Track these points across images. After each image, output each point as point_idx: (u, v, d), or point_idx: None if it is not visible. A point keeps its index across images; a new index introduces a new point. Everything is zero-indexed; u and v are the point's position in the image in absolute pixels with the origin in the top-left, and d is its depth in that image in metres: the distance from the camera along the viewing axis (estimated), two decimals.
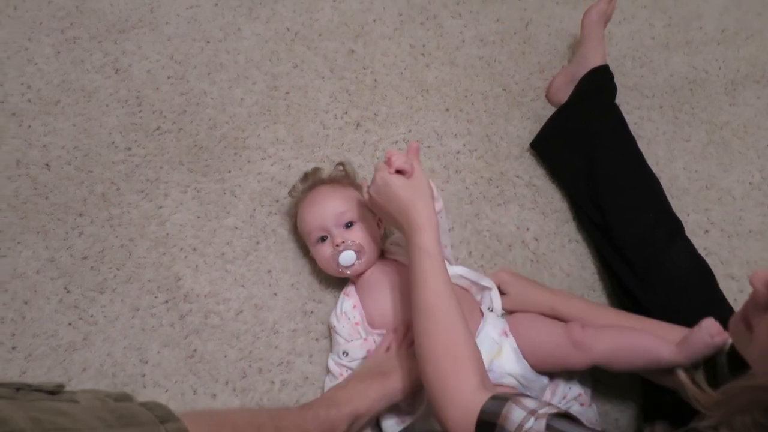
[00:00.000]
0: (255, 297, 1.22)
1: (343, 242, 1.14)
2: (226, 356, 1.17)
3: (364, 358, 1.12)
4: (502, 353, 1.08)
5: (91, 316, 1.17)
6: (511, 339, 1.11)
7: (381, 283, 1.16)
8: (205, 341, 1.17)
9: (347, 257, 1.13)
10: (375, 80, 1.46)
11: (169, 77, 1.40)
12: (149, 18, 1.46)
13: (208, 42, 1.45)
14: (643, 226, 1.24)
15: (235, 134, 1.36)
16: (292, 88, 1.43)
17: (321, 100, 1.43)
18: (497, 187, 1.40)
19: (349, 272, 1.15)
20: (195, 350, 1.16)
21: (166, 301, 1.20)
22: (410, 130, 1.42)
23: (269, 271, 1.25)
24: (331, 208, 1.16)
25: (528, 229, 1.36)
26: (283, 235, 1.29)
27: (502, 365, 1.07)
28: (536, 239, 1.36)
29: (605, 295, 1.32)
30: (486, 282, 1.17)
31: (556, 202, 1.40)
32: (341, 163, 1.26)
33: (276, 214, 1.30)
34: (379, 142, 1.40)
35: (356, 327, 1.14)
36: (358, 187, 1.24)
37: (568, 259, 1.35)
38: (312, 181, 1.23)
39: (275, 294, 1.23)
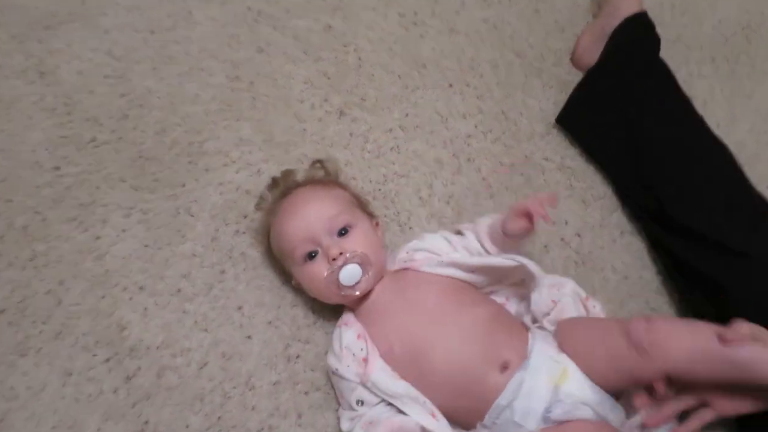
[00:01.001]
0: (223, 343, 0.95)
1: (342, 254, 0.86)
2: (187, 426, 0.89)
3: (391, 397, 0.84)
4: (569, 375, 0.81)
5: (10, 388, 0.90)
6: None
7: (397, 301, 0.89)
8: (159, 408, 0.90)
9: (351, 273, 0.86)
10: (359, 59, 1.18)
11: (106, 77, 1.13)
12: (81, 10, 1.20)
13: (153, 32, 1.19)
14: (712, 211, 0.95)
15: (190, 138, 1.09)
16: (257, 77, 1.16)
17: (294, 88, 1.15)
18: (522, 174, 1.11)
19: (357, 293, 0.88)
20: (146, 422, 0.89)
21: (108, 360, 0.92)
22: (407, 114, 1.15)
23: (239, 308, 0.97)
24: (318, 212, 0.89)
25: (566, 222, 1.08)
26: (256, 259, 1.01)
27: (573, 392, 0.80)
28: (578, 235, 1.07)
29: (675, 301, 1.02)
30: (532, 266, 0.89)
31: (597, 187, 1.11)
32: (319, 161, 0.99)
33: (244, 232, 1.03)
34: (370, 132, 1.13)
35: (364, 364, 0.86)
36: (344, 188, 0.97)
37: (621, 256, 1.06)
38: (285, 186, 0.96)
39: (248, 337, 0.95)
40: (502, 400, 0.82)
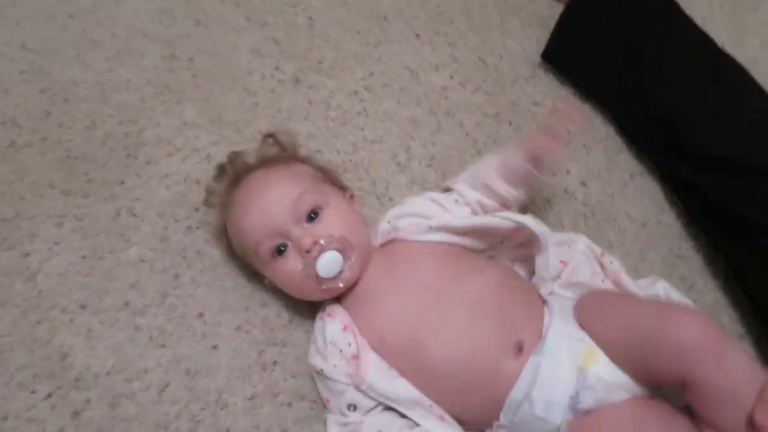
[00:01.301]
0: (185, 358, 0.80)
1: (316, 243, 0.72)
2: None
3: (391, 401, 0.70)
4: (596, 357, 0.67)
5: None
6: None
7: (384, 280, 0.75)
8: None
9: (330, 263, 0.72)
10: (310, 18, 1.04)
11: (21, 72, 0.98)
12: None
13: (72, 16, 1.04)
14: (739, 134, 0.81)
15: (125, 129, 0.95)
16: (197, 53, 1.01)
17: (240, 60, 1.01)
18: (510, 123, 0.97)
19: (341, 285, 0.74)
20: None
21: (49, 395, 0.78)
22: (371, 73, 1.00)
23: (200, 315, 0.83)
24: (278, 197, 0.75)
25: (568, 172, 0.94)
26: (214, 257, 0.86)
27: (604, 376, 0.66)
28: (583, 184, 0.93)
29: (702, 245, 0.88)
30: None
31: (598, 127, 0.97)
32: (271, 135, 0.84)
33: (198, 228, 0.88)
34: (331, 98, 0.98)
35: (354, 361, 0.72)
36: (305, 162, 0.82)
37: (635, 201, 0.92)
38: (234, 172, 0.81)
39: (214, 347, 0.81)
40: (516, 393, 0.68)
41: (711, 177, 0.83)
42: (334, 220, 0.75)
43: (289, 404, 0.78)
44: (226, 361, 0.80)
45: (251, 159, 0.82)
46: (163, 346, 0.81)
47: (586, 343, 0.69)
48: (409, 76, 1.00)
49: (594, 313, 0.71)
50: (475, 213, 0.81)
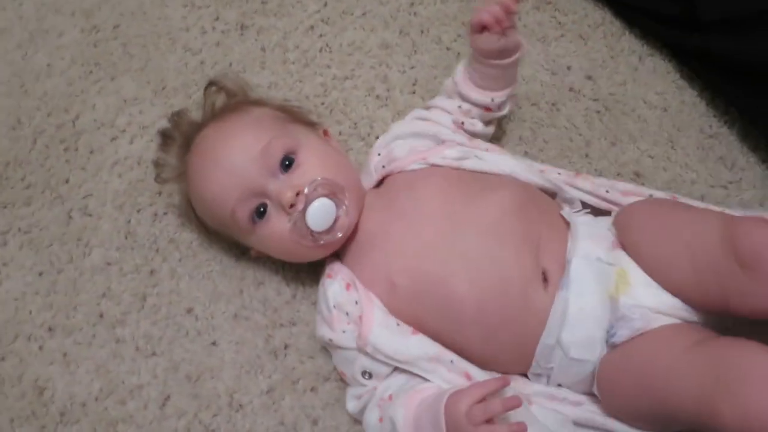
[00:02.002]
0: (183, 363, 0.69)
1: (300, 194, 0.61)
2: None
3: (403, 363, 0.59)
4: (629, 280, 0.57)
5: None
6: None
7: (387, 219, 0.63)
8: None
9: (322, 213, 0.61)
10: None
11: None
12: None
13: None
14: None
15: (56, 120, 0.81)
16: (122, 18, 0.87)
17: (173, 17, 0.87)
18: None
19: (340, 234, 0.62)
20: None
21: None
22: (326, 4, 0.87)
23: (190, 311, 0.71)
24: (241, 151, 0.63)
25: (569, 68, 0.82)
26: (191, 241, 0.74)
27: (640, 301, 0.56)
28: (589, 77, 0.82)
29: (735, 118, 0.78)
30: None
31: (591, 14, 0.86)
32: (213, 83, 0.71)
33: (166, 213, 0.76)
34: (286, 39, 0.85)
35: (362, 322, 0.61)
36: (262, 104, 0.70)
37: (650, 86, 0.81)
38: (182, 134, 0.69)
39: (213, 344, 0.69)
40: (547, 338, 0.58)
41: (725, 40, 0.72)
42: (313, 163, 0.63)
43: (312, 389, 0.67)
44: (230, 357, 0.68)
45: (194, 117, 0.70)
46: (153, 354, 0.69)
47: (617, 265, 0.59)
48: None
49: (641, 224, 0.60)
50: (457, 122, 0.70)
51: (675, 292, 0.57)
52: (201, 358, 0.69)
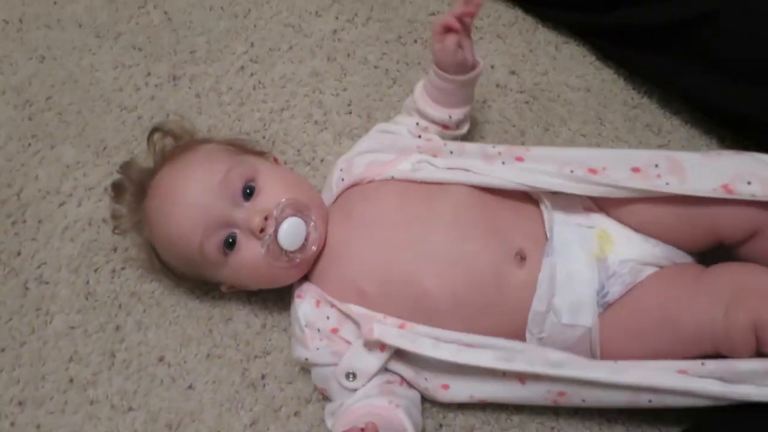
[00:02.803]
0: (162, 413, 0.68)
1: (268, 217, 0.61)
2: None
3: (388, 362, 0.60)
4: (612, 239, 0.60)
5: None
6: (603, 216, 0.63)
7: (347, 229, 0.64)
8: None
9: (293, 231, 0.61)
10: (165, 12, 0.93)
11: None
12: None
13: None
14: None
15: (1, 196, 0.80)
16: (53, 89, 0.88)
17: (104, 79, 0.88)
18: (415, 41, 0.89)
19: (314, 248, 0.63)
20: None
21: None
22: (252, 44, 0.90)
23: (161, 359, 0.70)
24: (201, 183, 0.63)
25: (493, 66, 0.86)
26: (153, 291, 0.74)
27: (627, 256, 0.60)
28: (513, 72, 0.86)
29: (656, 89, 0.82)
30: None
31: (504, 13, 0.91)
32: (157, 129, 0.72)
33: (123, 268, 0.75)
34: (219, 82, 0.87)
35: (335, 336, 0.62)
36: (209, 141, 0.71)
37: (571, 71, 0.86)
38: (134, 182, 0.69)
39: (190, 387, 0.69)
40: (537, 304, 0.59)
41: (630, 12, 0.77)
42: (274, 186, 0.64)
43: (296, 414, 0.66)
44: (208, 397, 0.68)
45: (148, 163, 0.70)
46: (130, 409, 0.68)
47: (597, 227, 0.61)
48: (292, 32, 0.90)
49: None
50: (415, 136, 0.72)
51: (664, 237, 0.60)
52: (179, 404, 0.68)
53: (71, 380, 0.69)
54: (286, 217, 0.61)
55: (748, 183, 0.57)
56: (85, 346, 0.71)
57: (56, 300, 0.74)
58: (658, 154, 0.61)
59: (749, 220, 0.58)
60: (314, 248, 0.63)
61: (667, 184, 0.58)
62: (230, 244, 0.63)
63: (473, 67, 0.69)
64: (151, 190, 0.66)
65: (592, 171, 0.60)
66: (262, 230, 0.61)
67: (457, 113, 0.71)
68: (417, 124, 0.71)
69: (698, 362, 0.55)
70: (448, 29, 0.66)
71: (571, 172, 0.61)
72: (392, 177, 0.66)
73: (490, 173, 0.63)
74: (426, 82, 0.71)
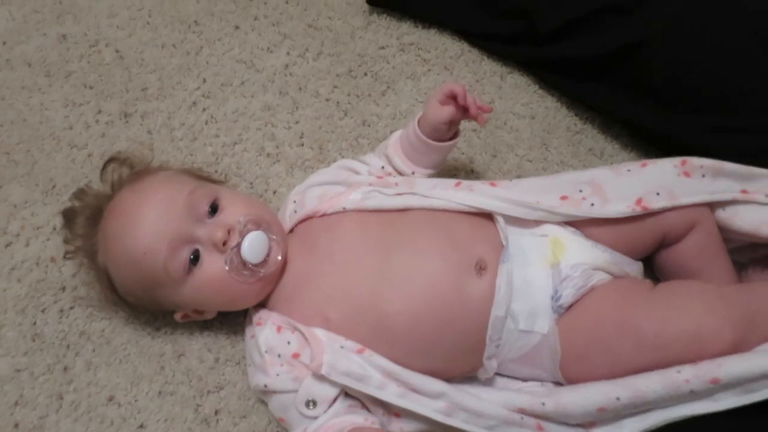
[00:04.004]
0: None
1: (231, 231, 0.62)
2: None
3: (359, 379, 0.60)
4: (564, 244, 0.63)
5: None
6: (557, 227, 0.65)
7: (310, 259, 0.65)
8: None
9: (256, 244, 0.62)
10: (117, 51, 0.93)
11: None
12: None
13: None
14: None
15: None
16: (1, 129, 0.87)
17: (54, 118, 0.88)
18: (366, 74, 0.91)
19: (279, 257, 0.64)
20: None
21: None
22: (204, 80, 0.91)
23: (111, 399, 0.69)
24: (166, 202, 0.63)
25: None
26: (103, 330, 0.73)
27: (578, 260, 0.62)
28: None
29: (597, 115, 0.85)
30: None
31: (450, 47, 0.94)
32: (113, 159, 0.72)
33: (72, 307, 0.74)
34: (171, 118, 0.88)
35: (296, 361, 0.61)
36: (168, 168, 0.72)
37: (516, 99, 0.89)
38: (89, 207, 0.68)
39: (141, 426, 0.67)
40: (497, 309, 0.61)
41: (566, 45, 0.81)
42: (237, 204, 0.65)
43: None
44: None
45: (104, 188, 0.70)
46: None
47: (549, 234, 0.63)
48: (244, 68, 0.92)
49: None
50: (374, 174, 0.73)
51: (614, 244, 0.65)
52: None
53: (16, 425, 0.67)
54: (249, 231, 0.62)
55: (657, 194, 0.63)
56: (32, 389, 0.69)
57: (2, 342, 0.72)
58: (582, 180, 0.66)
59: (690, 217, 0.64)
60: (279, 259, 0.63)
61: (592, 205, 0.64)
62: (194, 258, 0.62)
63: (452, 137, 0.72)
64: (110, 211, 0.66)
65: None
66: (224, 243, 0.61)
67: (422, 172, 0.73)
68: (383, 167, 0.74)
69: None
70: (452, 97, 0.68)
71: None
72: (344, 208, 0.67)
73: (438, 195, 0.65)
74: (403, 134, 0.74)
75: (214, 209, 0.64)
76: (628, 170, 0.66)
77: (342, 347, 0.61)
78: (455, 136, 0.73)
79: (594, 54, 0.77)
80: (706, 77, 0.72)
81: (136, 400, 0.68)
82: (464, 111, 0.69)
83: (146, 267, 0.62)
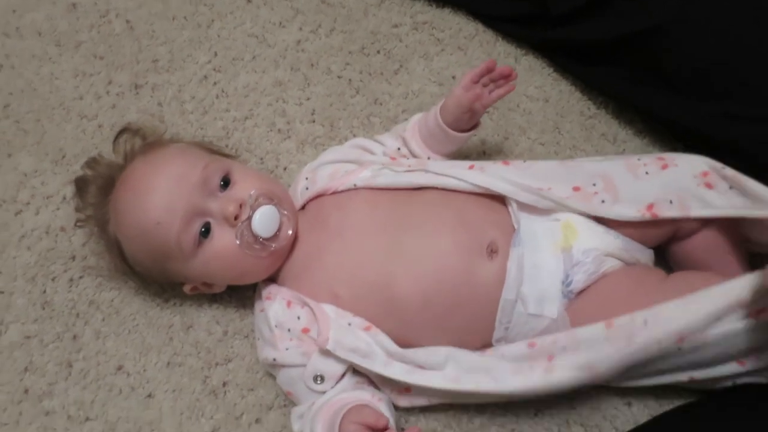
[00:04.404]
0: (120, 422, 0.67)
1: (242, 205, 0.62)
2: None
3: (365, 356, 0.61)
4: (576, 229, 0.62)
5: None
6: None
7: (322, 237, 0.65)
8: None
9: (267, 218, 0.62)
10: (128, 21, 0.92)
11: None
12: None
13: None
14: None
15: None
16: (11, 98, 0.87)
17: (65, 88, 0.87)
18: (379, 52, 0.90)
19: (290, 232, 0.64)
20: None
21: None
22: (216, 54, 0.90)
23: (120, 368, 0.69)
24: (179, 174, 0.63)
25: (454, 77, 0.88)
26: (113, 300, 0.73)
27: (590, 246, 0.62)
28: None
29: (611, 100, 0.85)
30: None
31: (465, 26, 0.92)
32: (126, 129, 0.72)
33: (82, 276, 0.74)
34: (182, 91, 0.87)
35: (306, 336, 0.62)
36: (180, 140, 0.72)
37: (530, 82, 0.88)
38: (101, 176, 0.68)
39: (149, 396, 0.68)
40: (507, 293, 0.61)
41: (578, 28, 0.80)
42: (249, 179, 0.64)
43: (257, 421, 0.66)
44: (168, 406, 0.67)
45: (116, 158, 0.69)
46: (87, 419, 0.66)
47: (562, 220, 0.63)
48: (256, 42, 0.91)
49: None
50: (388, 155, 0.73)
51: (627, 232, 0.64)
52: (138, 413, 0.67)
53: (26, 391, 0.68)
54: (260, 206, 0.62)
55: (670, 202, 0.62)
56: (41, 356, 0.70)
57: (11, 310, 0.72)
58: (597, 172, 0.65)
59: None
60: (290, 233, 0.63)
61: (603, 202, 0.63)
62: (205, 230, 0.62)
63: (472, 125, 0.72)
64: (123, 181, 0.65)
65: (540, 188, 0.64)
66: (236, 217, 0.61)
67: (437, 158, 0.72)
68: (398, 149, 0.73)
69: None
70: (476, 81, 0.68)
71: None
72: (354, 185, 0.67)
73: (450, 173, 0.64)
74: (422, 119, 0.73)
75: (226, 183, 0.64)
76: (647, 172, 0.64)
77: (350, 324, 0.61)
78: (475, 127, 0.72)
79: (607, 38, 0.76)
80: (719, 63, 0.71)
81: (144, 370, 0.69)
82: (486, 99, 0.69)
83: (158, 238, 0.62)
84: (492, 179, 0.64)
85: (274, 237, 0.62)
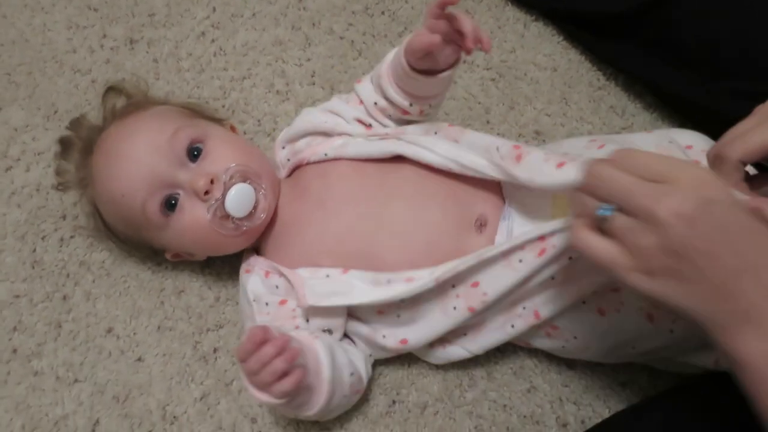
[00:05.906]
0: (109, 384, 0.66)
1: (214, 181, 0.59)
2: None
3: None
4: (567, 201, 0.57)
5: None
6: None
7: (304, 206, 0.63)
8: None
9: (241, 197, 0.59)
10: None
11: None
12: None
13: None
14: None
15: None
16: (2, 49, 0.85)
17: (57, 40, 0.84)
18: (383, 12, 0.87)
19: (263, 215, 0.61)
20: None
21: None
22: (214, 9, 0.87)
23: (109, 330, 0.68)
24: (147, 141, 0.60)
25: None
26: (104, 261, 0.72)
27: None
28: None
29: (622, 78, 0.82)
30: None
31: None
32: (111, 88, 0.69)
33: (73, 236, 0.73)
34: (178, 48, 0.84)
35: (283, 308, 0.60)
36: (164, 102, 0.69)
37: (538, 49, 0.85)
38: (82, 138, 0.67)
39: (139, 359, 0.67)
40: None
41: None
42: (223, 151, 0.61)
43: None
44: (158, 370, 0.66)
45: (93, 121, 0.68)
46: (76, 381, 0.66)
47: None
48: None
49: None
50: (363, 121, 0.66)
51: None
52: (127, 376, 0.66)
53: (15, 350, 0.67)
54: (235, 183, 0.59)
55: None
56: (30, 315, 0.69)
57: (1, 268, 0.71)
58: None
59: None
60: (263, 216, 0.61)
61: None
62: (171, 202, 0.60)
63: (446, 65, 0.59)
64: (98, 147, 0.64)
65: (518, 157, 0.58)
66: (207, 193, 0.59)
67: (421, 104, 0.63)
68: (375, 103, 0.64)
69: None
70: (445, 16, 0.55)
71: (497, 149, 0.59)
72: (325, 154, 0.64)
73: (425, 144, 0.60)
74: (395, 59, 0.62)
75: (197, 152, 0.61)
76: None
77: (328, 276, 0.59)
78: (455, 64, 0.59)
79: (616, 9, 0.74)
80: (729, 37, 0.68)
81: (134, 334, 0.68)
82: (459, 36, 0.56)
83: (126, 209, 0.61)
84: (465, 153, 0.59)
85: (249, 216, 0.60)
